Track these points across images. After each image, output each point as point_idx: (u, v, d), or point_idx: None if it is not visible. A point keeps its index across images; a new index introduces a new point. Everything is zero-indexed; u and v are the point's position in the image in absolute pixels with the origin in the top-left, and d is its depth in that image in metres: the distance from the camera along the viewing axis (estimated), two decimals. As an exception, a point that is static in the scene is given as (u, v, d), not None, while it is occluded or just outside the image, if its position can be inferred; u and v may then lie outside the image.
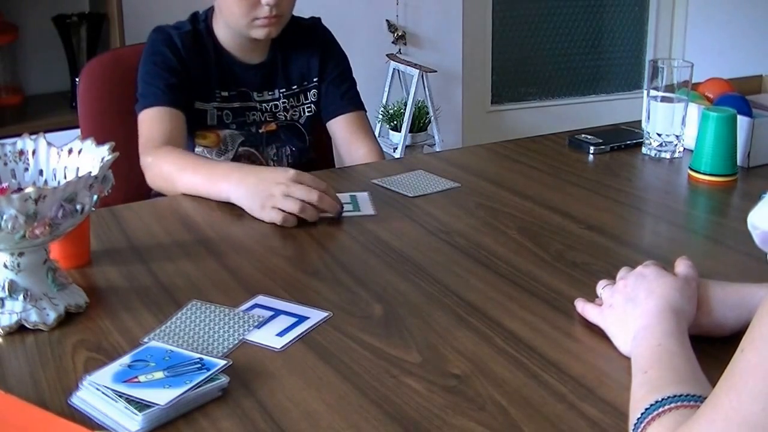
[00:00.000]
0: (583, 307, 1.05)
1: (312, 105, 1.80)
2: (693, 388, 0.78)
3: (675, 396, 0.76)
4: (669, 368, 0.84)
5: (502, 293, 1.13)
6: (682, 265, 1.01)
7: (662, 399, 0.77)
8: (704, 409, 0.67)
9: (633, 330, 0.95)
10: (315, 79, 1.79)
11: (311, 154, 1.82)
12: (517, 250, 1.27)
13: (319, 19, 1.85)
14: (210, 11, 1.74)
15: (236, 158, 1.73)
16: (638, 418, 0.77)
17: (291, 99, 1.78)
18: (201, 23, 1.73)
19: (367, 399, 0.90)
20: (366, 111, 1.85)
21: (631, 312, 0.96)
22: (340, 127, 1.81)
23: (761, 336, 0.63)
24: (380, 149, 1.83)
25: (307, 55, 1.78)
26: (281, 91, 1.77)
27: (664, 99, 1.65)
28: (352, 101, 1.82)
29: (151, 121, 1.63)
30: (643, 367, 0.86)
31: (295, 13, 1.81)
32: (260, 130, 1.75)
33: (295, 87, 1.78)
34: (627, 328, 0.96)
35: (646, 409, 0.77)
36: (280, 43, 1.75)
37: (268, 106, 1.76)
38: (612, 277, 1.07)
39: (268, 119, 1.76)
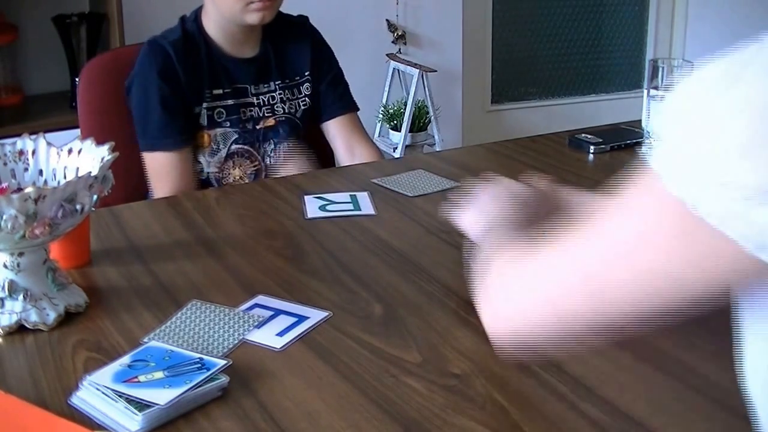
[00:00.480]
0: None
1: (306, 99, 1.80)
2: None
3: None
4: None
5: (502, 293, 1.13)
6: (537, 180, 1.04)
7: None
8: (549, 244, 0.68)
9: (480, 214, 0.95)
10: (306, 73, 1.80)
11: (307, 147, 1.82)
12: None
13: (306, 17, 1.85)
14: (199, 10, 1.73)
15: (229, 156, 1.73)
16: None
17: (287, 91, 1.78)
18: (191, 23, 1.72)
19: (367, 399, 0.90)
20: (359, 110, 1.86)
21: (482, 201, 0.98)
22: (337, 129, 1.82)
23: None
24: (378, 148, 1.84)
25: (297, 48, 1.79)
26: (277, 83, 1.77)
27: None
28: (348, 103, 1.84)
29: (158, 171, 1.68)
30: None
31: (296, 12, 1.81)
32: (257, 126, 1.75)
33: (288, 80, 1.79)
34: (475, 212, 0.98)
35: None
36: (271, 36, 1.76)
37: (265, 98, 1.76)
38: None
39: (266, 114, 1.76)
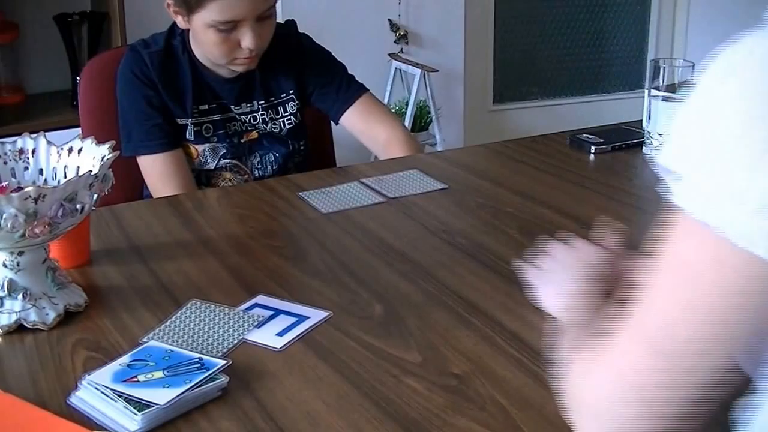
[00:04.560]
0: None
1: (291, 117, 1.76)
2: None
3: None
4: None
5: (502, 293, 1.13)
6: (609, 237, 0.99)
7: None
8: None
9: (561, 293, 0.91)
10: (291, 91, 1.76)
11: (297, 157, 1.80)
12: (517, 250, 1.26)
13: (293, 22, 1.79)
14: None
15: (218, 170, 1.72)
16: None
17: (270, 111, 1.74)
18: (177, 37, 1.69)
19: (367, 399, 0.90)
20: (368, 90, 1.80)
21: (560, 276, 0.93)
22: (352, 120, 1.77)
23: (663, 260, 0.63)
24: (401, 124, 1.80)
25: (282, 66, 1.74)
26: (260, 102, 1.73)
27: (665, 98, 1.65)
28: (350, 89, 1.78)
29: (154, 174, 1.66)
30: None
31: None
32: (242, 140, 1.73)
33: (273, 99, 1.75)
34: (555, 290, 0.92)
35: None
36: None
37: (247, 117, 1.73)
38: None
39: (248, 129, 1.74)
